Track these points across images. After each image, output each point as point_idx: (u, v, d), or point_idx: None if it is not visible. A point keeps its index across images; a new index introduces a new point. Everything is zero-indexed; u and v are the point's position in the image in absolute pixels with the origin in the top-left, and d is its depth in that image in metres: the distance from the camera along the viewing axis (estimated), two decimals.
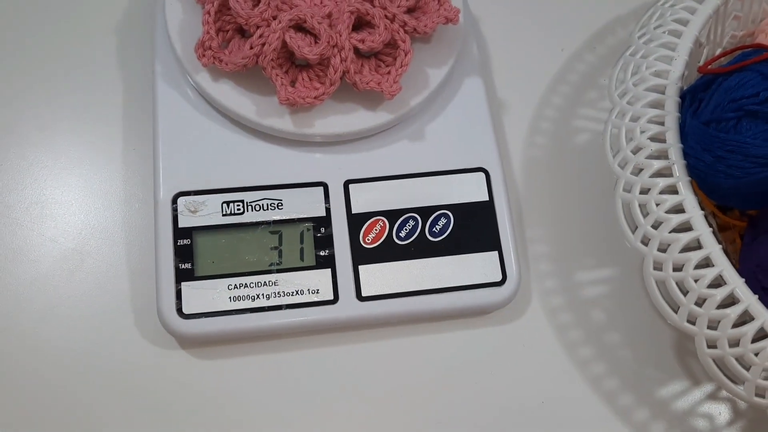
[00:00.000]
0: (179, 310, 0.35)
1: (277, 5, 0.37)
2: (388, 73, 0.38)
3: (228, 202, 0.37)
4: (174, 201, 0.37)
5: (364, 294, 0.37)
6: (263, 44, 0.36)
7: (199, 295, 0.36)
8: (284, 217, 0.38)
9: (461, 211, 0.39)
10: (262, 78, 0.37)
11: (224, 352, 0.37)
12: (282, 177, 0.38)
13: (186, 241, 0.36)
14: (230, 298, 0.36)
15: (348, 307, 0.37)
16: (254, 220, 0.37)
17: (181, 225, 0.37)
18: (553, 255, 0.41)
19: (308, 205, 0.38)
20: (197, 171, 0.38)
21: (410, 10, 0.39)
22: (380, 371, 0.38)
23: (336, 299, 0.37)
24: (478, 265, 0.38)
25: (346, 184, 0.38)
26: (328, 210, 0.38)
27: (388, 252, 0.38)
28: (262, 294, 0.36)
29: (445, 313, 0.38)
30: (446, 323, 0.39)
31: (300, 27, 0.37)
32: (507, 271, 0.38)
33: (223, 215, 0.37)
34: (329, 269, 0.37)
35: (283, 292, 0.36)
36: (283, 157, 0.39)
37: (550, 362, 0.39)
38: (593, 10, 0.47)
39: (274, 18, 0.36)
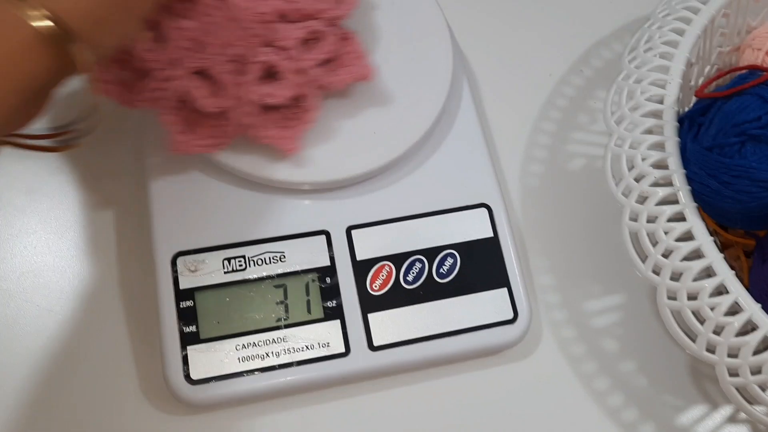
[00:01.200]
0: (187, 376, 0.34)
1: (184, 45, 0.33)
2: (292, 127, 0.35)
3: (229, 259, 0.36)
4: (173, 262, 0.36)
5: (375, 344, 0.36)
6: (163, 89, 0.33)
7: (207, 358, 0.35)
8: (288, 270, 0.37)
9: (467, 249, 0.38)
10: None
11: (234, 415, 0.36)
12: (282, 228, 0.37)
13: (189, 303, 0.35)
14: (239, 359, 0.35)
15: (360, 358, 0.36)
16: (257, 275, 0.36)
17: (182, 286, 0.36)
18: (560, 285, 0.41)
19: (311, 255, 0.37)
20: (194, 228, 0.37)
21: (327, 61, 0.36)
22: (395, 419, 0.37)
23: (347, 351, 0.36)
24: (488, 304, 0.37)
25: (349, 231, 0.38)
26: (332, 258, 0.37)
27: (396, 297, 0.37)
28: (272, 352, 0.35)
29: (458, 355, 0.37)
30: (458, 366, 0.38)
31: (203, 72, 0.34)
32: (518, 307, 0.37)
33: (225, 272, 0.36)
34: (338, 320, 0.36)
35: (293, 348, 0.35)
36: (282, 207, 0.38)
37: (567, 396, 0.38)
38: (577, 33, 0.47)
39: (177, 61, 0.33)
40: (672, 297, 0.34)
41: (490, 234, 0.39)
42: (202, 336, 0.35)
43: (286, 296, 0.36)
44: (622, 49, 0.46)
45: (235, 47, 0.33)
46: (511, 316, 0.37)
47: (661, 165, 0.35)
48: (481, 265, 0.38)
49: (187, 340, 0.35)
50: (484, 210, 0.39)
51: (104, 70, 0.34)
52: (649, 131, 0.36)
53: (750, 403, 0.33)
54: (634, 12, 0.47)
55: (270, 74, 0.35)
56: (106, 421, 0.36)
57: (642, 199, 0.35)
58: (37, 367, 0.36)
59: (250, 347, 0.35)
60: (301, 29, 0.35)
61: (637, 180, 0.35)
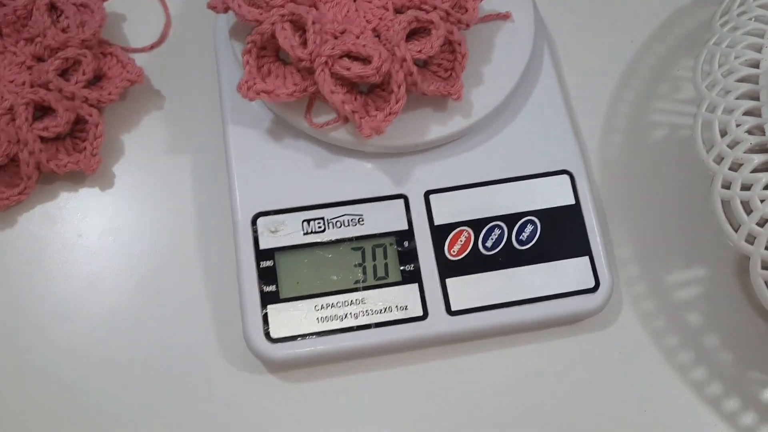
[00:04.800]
0: (267, 335, 0.34)
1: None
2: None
3: (308, 220, 0.36)
4: (254, 222, 0.36)
5: (453, 308, 0.36)
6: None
7: (286, 318, 0.35)
8: (366, 233, 0.36)
9: (548, 216, 0.37)
10: None
11: (313, 374, 0.36)
12: (361, 191, 0.37)
13: (269, 263, 0.35)
14: (317, 319, 0.35)
15: (438, 322, 0.35)
16: (336, 237, 0.36)
17: (262, 246, 0.36)
18: (640, 258, 0.39)
19: (390, 219, 0.37)
20: (274, 190, 0.37)
21: (96, 79, 0.40)
22: (474, 385, 0.37)
23: (426, 315, 0.35)
24: (570, 272, 0.36)
25: (427, 195, 0.37)
26: (410, 223, 0.37)
27: (474, 263, 0.36)
28: (350, 313, 0.35)
29: (537, 323, 0.36)
30: (537, 333, 0.37)
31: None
32: (599, 276, 0.36)
33: (305, 234, 0.36)
34: (416, 284, 0.36)
35: (371, 310, 0.35)
36: (360, 171, 0.38)
37: (649, 369, 0.37)
38: (660, 1, 0.46)
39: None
40: (766, 267, 0.32)
41: (572, 201, 0.38)
42: (282, 296, 0.35)
43: (364, 259, 0.36)
44: (706, 17, 0.44)
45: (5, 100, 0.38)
46: (592, 284, 0.36)
47: (757, 131, 0.34)
48: (562, 233, 0.37)
49: (267, 299, 0.35)
50: (565, 177, 0.38)
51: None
52: (743, 96, 0.35)
53: None
54: None
55: (43, 108, 0.38)
56: (185, 380, 0.36)
57: (736, 167, 0.34)
58: (117, 327, 0.37)
59: (329, 308, 0.35)
60: (57, 60, 0.38)
61: (730, 146, 0.34)
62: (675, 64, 0.44)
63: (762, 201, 0.33)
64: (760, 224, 0.33)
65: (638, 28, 0.45)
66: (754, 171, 0.33)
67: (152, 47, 0.43)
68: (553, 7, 0.44)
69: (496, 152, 0.38)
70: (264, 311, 0.35)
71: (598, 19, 0.45)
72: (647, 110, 0.43)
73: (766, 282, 0.33)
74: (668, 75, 0.44)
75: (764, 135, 0.34)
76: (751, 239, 0.33)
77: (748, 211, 0.33)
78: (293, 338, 0.35)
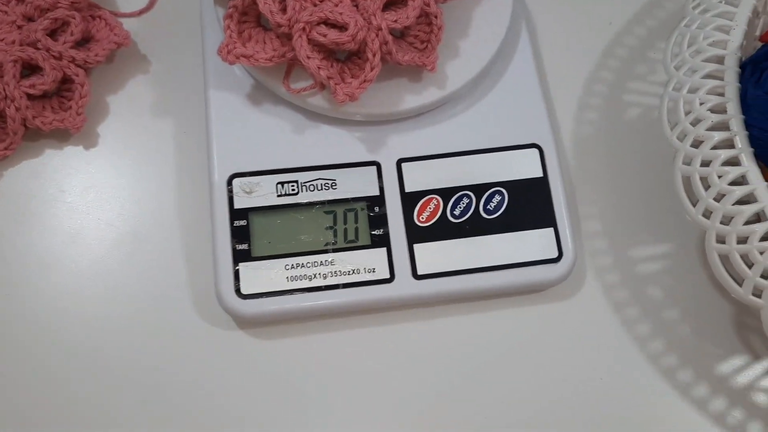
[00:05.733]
0: (238, 291, 0.36)
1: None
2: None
3: (282, 183, 0.37)
4: (229, 182, 0.37)
5: (419, 272, 0.37)
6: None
7: (257, 275, 0.36)
8: (338, 197, 0.38)
9: (515, 187, 0.38)
10: None
11: (282, 332, 0.37)
12: (335, 157, 0.38)
13: (242, 222, 0.37)
14: (287, 278, 0.36)
15: (404, 285, 0.37)
16: (309, 200, 0.37)
17: (236, 206, 0.37)
18: (607, 232, 0.41)
19: (362, 184, 0.38)
20: (251, 152, 0.38)
21: (84, 41, 0.41)
22: (437, 349, 0.38)
23: (392, 278, 0.37)
24: (534, 242, 0.38)
25: (399, 163, 0.38)
26: (381, 189, 0.38)
27: (442, 230, 0.37)
28: (319, 273, 0.36)
29: (500, 290, 0.38)
30: (501, 301, 0.38)
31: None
32: (563, 247, 0.38)
33: (278, 196, 0.37)
34: (384, 248, 0.37)
35: (340, 271, 0.36)
36: (335, 138, 0.39)
37: (608, 339, 0.38)
38: None
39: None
40: (721, 241, 0.33)
41: (540, 174, 0.39)
42: (254, 254, 0.36)
43: (335, 222, 0.37)
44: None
45: None
46: (555, 255, 0.37)
47: (719, 110, 0.35)
48: (528, 204, 0.38)
49: (240, 257, 0.36)
50: (535, 150, 0.39)
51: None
52: (709, 76, 0.36)
53: None
54: None
55: (31, 67, 0.39)
56: (159, 333, 0.37)
57: (697, 144, 0.35)
58: (95, 280, 0.38)
59: (299, 268, 0.36)
60: (46, 20, 0.39)
61: (693, 124, 0.35)
62: (652, 46, 0.45)
63: (719, 177, 0.34)
64: (717, 199, 0.34)
65: (618, 10, 0.46)
66: (715, 148, 0.34)
67: (141, 12, 0.44)
68: None
69: (469, 124, 0.39)
70: (236, 268, 0.36)
71: (579, 0, 0.46)
72: (623, 90, 0.44)
73: (720, 255, 0.34)
74: (645, 57, 0.45)
75: (726, 113, 0.35)
76: (708, 214, 0.34)
77: (707, 187, 0.34)
78: (263, 295, 0.36)
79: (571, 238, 0.38)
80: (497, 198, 0.38)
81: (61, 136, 0.41)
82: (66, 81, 0.40)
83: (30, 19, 0.41)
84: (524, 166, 0.39)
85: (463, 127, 0.39)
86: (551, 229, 0.38)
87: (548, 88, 0.43)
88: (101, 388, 0.36)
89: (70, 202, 0.40)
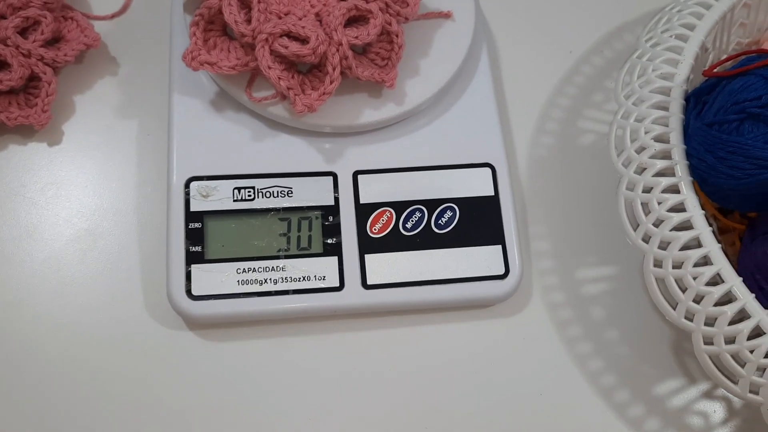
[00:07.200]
0: (188, 292, 0.36)
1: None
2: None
3: (239, 188, 0.38)
4: (187, 185, 0.38)
5: (369, 282, 0.38)
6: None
7: (209, 277, 0.37)
8: (294, 205, 0.38)
9: (467, 204, 0.39)
10: None
11: (231, 335, 0.38)
12: (293, 166, 0.39)
13: (197, 225, 0.37)
14: (239, 281, 0.37)
15: (353, 294, 0.37)
16: (264, 206, 0.38)
17: (192, 209, 0.38)
18: (555, 252, 0.42)
19: (317, 193, 0.39)
20: (210, 157, 0.39)
21: (55, 41, 0.42)
22: (382, 359, 0.39)
23: (342, 286, 0.37)
24: (482, 258, 0.39)
25: (355, 175, 0.39)
26: (336, 199, 0.39)
27: (394, 242, 0.38)
28: (270, 279, 0.37)
29: (447, 303, 0.39)
30: (448, 314, 0.39)
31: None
32: (510, 264, 0.39)
33: (234, 201, 0.38)
34: (336, 257, 0.38)
35: (291, 277, 0.37)
36: (294, 147, 0.40)
37: (550, 356, 0.39)
38: (602, 15, 0.48)
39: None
40: (658, 265, 0.35)
41: (492, 193, 0.40)
42: (207, 257, 0.37)
43: (289, 229, 0.38)
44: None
45: None
46: (502, 271, 0.39)
47: (662, 139, 0.36)
48: (479, 221, 0.39)
49: (192, 258, 0.37)
50: (488, 170, 0.40)
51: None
52: (655, 106, 0.37)
53: (721, 372, 0.33)
54: None
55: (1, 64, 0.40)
56: (110, 332, 0.38)
57: (640, 170, 0.36)
58: (49, 275, 0.38)
59: (250, 272, 0.37)
60: (18, 18, 0.40)
61: (637, 152, 0.36)
62: (609, 76, 0.47)
63: (659, 203, 0.35)
64: (656, 224, 0.35)
65: (578, 40, 0.48)
66: (657, 175, 0.36)
67: (113, 16, 0.45)
68: (498, 12, 0.47)
69: (425, 141, 0.41)
70: (188, 269, 0.37)
71: (541, 28, 0.47)
72: (579, 117, 0.46)
73: (656, 279, 0.35)
74: (602, 86, 0.47)
75: (669, 143, 0.36)
76: (647, 238, 0.35)
77: (647, 212, 0.35)
78: (213, 297, 0.36)
79: (519, 256, 0.39)
80: (449, 213, 0.39)
81: (26, 132, 0.41)
82: (34, 78, 0.41)
83: (2, 17, 0.42)
84: (477, 185, 0.40)
85: (420, 143, 0.40)
86: (499, 247, 0.39)
87: (506, 111, 0.44)
88: (47, 383, 0.37)
89: (29, 197, 0.40)
